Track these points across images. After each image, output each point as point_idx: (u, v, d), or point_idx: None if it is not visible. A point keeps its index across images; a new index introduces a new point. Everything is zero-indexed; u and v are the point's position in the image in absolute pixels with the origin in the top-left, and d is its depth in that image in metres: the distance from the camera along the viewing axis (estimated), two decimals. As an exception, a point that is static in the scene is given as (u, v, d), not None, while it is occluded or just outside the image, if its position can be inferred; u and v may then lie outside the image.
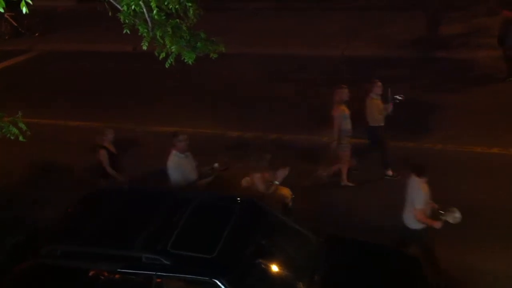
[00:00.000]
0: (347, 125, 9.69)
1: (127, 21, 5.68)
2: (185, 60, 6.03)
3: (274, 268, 6.57)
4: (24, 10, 4.53)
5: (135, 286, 6.20)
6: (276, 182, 8.38)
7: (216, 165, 8.58)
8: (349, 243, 7.46)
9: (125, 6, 5.57)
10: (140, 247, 6.20)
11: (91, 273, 6.36)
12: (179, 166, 8.28)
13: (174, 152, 8.38)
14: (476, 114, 11.99)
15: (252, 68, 15.60)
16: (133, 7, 5.54)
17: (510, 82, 13.40)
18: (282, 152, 11.05)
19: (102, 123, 12.78)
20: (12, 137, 6.10)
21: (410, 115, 12.14)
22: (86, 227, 6.75)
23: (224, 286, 5.84)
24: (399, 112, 11.87)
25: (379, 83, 9.97)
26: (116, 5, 5.78)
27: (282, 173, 8.37)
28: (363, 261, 7.04)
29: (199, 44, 6.10)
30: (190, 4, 5.83)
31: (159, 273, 6.02)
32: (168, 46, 5.89)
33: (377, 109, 9.94)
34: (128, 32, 5.72)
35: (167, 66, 5.98)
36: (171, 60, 5.99)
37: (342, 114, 9.63)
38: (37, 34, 20.46)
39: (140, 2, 5.56)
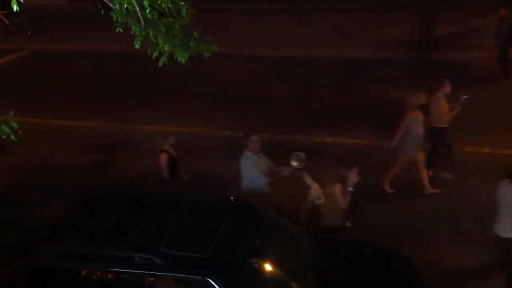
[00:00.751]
0: (419, 130, 9.26)
1: (119, 20, 5.67)
2: (178, 60, 6.04)
3: (268, 267, 6.55)
4: (15, 8, 4.52)
5: (127, 286, 6.16)
6: (350, 189, 7.62)
7: (294, 163, 7.95)
8: (342, 243, 7.46)
9: (117, 4, 5.57)
10: (133, 246, 6.18)
11: (83, 273, 6.34)
12: (254, 167, 7.98)
13: (247, 153, 8.07)
14: (470, 114, 12.00)
15: (248, 68, 15.62)
16: (125, 5, 5.54)
17: (502, 82, 13.45)
18: (276, 152, 11.06)
19: (96, 123, 12.84)
20: (4, 136, 6.09)
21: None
22: (78, 227, 6.73)
23: (218, 285, 5.83)
24: (392, 113, 11.93)
25: (448, 83, 9.59)
26: (109, 3, 5.78)
27: (354, 177, 7.63)
28: (356, 262, 7.04)
29: (192, 43, 6.11)
30: (183, 3, 5.83)
31: (152, 273, 6.00)
32: (161, 45, 5.89)
33: (443, 110, 9.56)
34: (121, 31, 5.72)
35: (160, 65, 5.98)
36: (164, 59, 5.99)
37: (415, 118, 9.21)
38: (29, 33, 20.40)
39: (133, 1, 5.56)
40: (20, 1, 4.59)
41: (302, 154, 7.91)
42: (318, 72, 15.20)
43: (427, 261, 7.63)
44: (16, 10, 4.54)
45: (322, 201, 8.18)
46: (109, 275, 6.18)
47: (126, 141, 11.97)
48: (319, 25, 18.27)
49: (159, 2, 5.65)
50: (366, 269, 6.94)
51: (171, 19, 5.93)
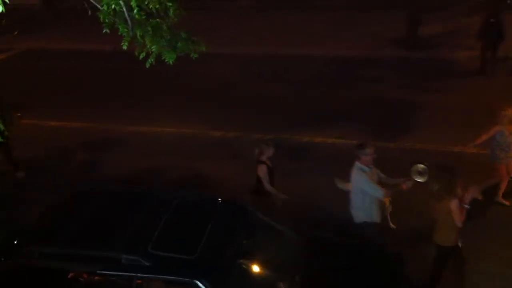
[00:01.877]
0: (506, 138, 8.77)
1: (106, 20, 5.64)
2: (166, 60, 6.01)
3: (256, 268, 6.55)
4: (1, 8, 4.48)
5: (115, 287, 6.14)
6: (467, 206, 6.86)
7: (418, 178, 7.22)
8: (331, 242, 7.48)
9: (105, 5, 5.53)
10: (120, 248, 6.14)
11: (70, 275, 6.30)
12: (369, 180, 7.41)
13: (359, 165, 7.49)
14: (456, 113, 12.11)
15: (237, 67, 15.61)
16: (113, 6, 5.50)
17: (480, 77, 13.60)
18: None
19: (86, 123, 12.77)
20: (-11, 138, 6.04)
21: (391, 115, 12.26)
22: (66, 228, 6.67)
23: (206, 286, 5.81)
24: (380, 112, 11.99)
25: None
26: (96, 4, 5.74)
27: (474, 193, 6.89)
28: (344, 260, 7.06)
29: (179, 44, 6.08)
30: (170, 4, 5.80)
31: (140, 274, 5.97)
32: (148, 46, 5.86)
33: None
34: (108, 31, 5.68)
35: (147, 66, 5.95)
36: (152, 60, 5.96)
37: (502, 131, 8.74)
38: (16, 33, 20.23)
39: (120, 1, 5.52)
40: (6, 2, 4.55)
41: (424, 167, 7.29)
42: (307, 70, 15.23)
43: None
44: (2, 10, 4.50)
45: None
46: (97, 277, 6.14)
47: (117, 141, 11.92)
48: (308, 24, 18.30)
49: (146, 3, 5.62)
50: (354, 267, 6.96)
51: (158, 20, 5.90)
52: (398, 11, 16.69)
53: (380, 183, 7.57)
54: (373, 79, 14.22)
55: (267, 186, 8.07)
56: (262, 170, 8.04)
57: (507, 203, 9.16)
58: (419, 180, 7.24)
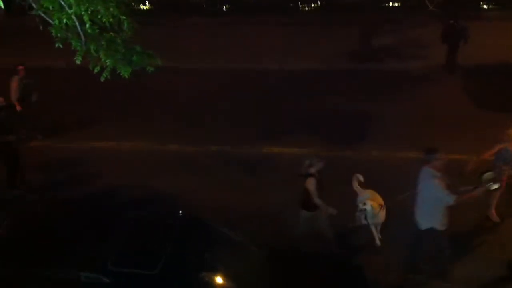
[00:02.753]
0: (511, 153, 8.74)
1: (59, 35, 5.58)
2: (121, 74, 5.97)
3: (218, 281, 6.52)
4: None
5: (75, 307, 6.01)
6: None
7: (492, 186, 7.36)
8: (291, 253, 7.52)
9: (56, 20, 5.47)
10: (79, 265, 6.03)
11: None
12: (441, 185, 7.24)
13: (429, 170, 7.36)
14: (410, 122, 12.37)
15: (192, 81, 15.56)
16: (64, 20, 5.44)
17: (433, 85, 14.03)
18: (223, 164, 11.09)
19: (36, 143, 12.46)
20: None
21: (347, 126, 12.44)
22: (21, 246, 6.51)
23: (168, 301, 5.77)
24: (335, 123, 12.15)
25: None
26: (47, 18, 5.66)
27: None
28: (306, 270, 7.10)
29: (134, 57, 6.06)
30: (124, 17, 5.78)
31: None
32: (103, 60, 5.81)
33: None
34: (61, 46, 5.61)
35: (102, 80, 5.89)
36: (106, 74, 5.91)
37: (506, 148, 8.70)
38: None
39: (72, 16, 5.47)
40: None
41: (492, 174, 7.54)
42: (263, 84, 15.31)
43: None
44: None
45: None
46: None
47: (70, 159, 11.68)
48: (262, 38, 18.42)
49: (99, 17, 5.58)
50: (317, 279, 7.00)
51: (112, 34, 5.87)
52: (352, 26, 17.01)
53: (449, 189, 7.32)
54: (328, 91, 14.40)
55: (316, 199, 7.86)
56: (312, 184, 7.83)
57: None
58: (494, 187, 7.42)
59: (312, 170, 7.88)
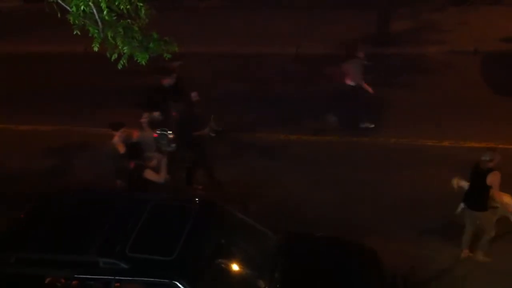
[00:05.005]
0: None
1: (76, 22, 5.59)
2: (138, 61, 5.98)
3: (235, 267, 6.56)
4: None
5: (93, 292, 6.08)
6: None
7: None
8: (307, 238, 7.51)
9: (74, 7, 5.47)
10: (97, 251, 6.09)
11: (47, 280, 6.21)
12: None
13: None
14: (425, 108, 12.27)
15: (207, 66, 15.54)
16: (82, 7, 5.45)
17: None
18: (239, 151, 11.10)
19: (53, 127, 12.58)
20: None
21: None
22: (41, 233, 6.58)
23: (185, 287, 5.80)
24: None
25: None
26: (65, 6, 5.67)
27: None
28: (322, 256, 7.10)
29: (151, 44, 6.05)
30: (141, 4, 5.77)
31: (118, 278, 5.92)
32: (120, 47, 5.81)
33: None
34: (78, 33, 5.63)
35: (119, 68, 5.90)
36: (124, 61, 5.92)
37: None
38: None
39: (90, 3, 5.47)
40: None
41: None
42: (278, 68, 15.25)
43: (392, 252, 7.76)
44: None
45: None
46: (74, 282, 6.07)
47: (85, 144, 11.77)
48: (277, 22, 18.32)
49: (116, 4, 5.58)
50: (332, 263, 7.01)
51: (129, 21, 5.86)
52: (368, 9, 16.82)
53: None
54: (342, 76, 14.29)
55: (499, 194, 7.58)
56: (498, 178, 7.40)
57: None
58: None
59: (491, 164, 7.44)
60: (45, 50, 17.97)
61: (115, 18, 5.70)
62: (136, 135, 9.03)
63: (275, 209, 9.01)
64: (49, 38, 18.08)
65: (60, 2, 5.71)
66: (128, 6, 5.65)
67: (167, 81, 10.29)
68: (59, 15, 5.86)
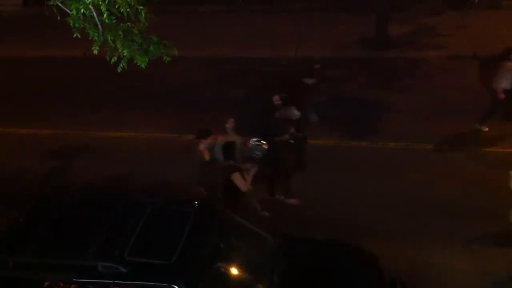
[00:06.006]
0: None
1: (76, 25, 5.60)
2: (138, 64, 5.99)
3: (233, 270, 6.55)
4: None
5: (92, 295, 6.06)
6: None
7: None
8: (306, 241, 7.51)
9: (74, 10, 5.50)
10: (96, 255, 6.07)
11: (46, 284, 6.19)
12: None
13: None
14: (423, 112, 12.27)
15: (204, 70, 15.56)
16: (82, 10, 5.47)
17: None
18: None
19: (56, 130, 12.59)
20: None
21: (361, 115, 12.37)
22: (40, 235, 6.56)
23: (183, 291, 5.79)
24: (349, 112, 12.08)
25: None
26: (65, 9, 5.69)
27: None
28: (321, 259, 7.10)
29: (151, 47, 6.09)
30: (141, 8, 5.79)
31: (117, 281, 5.91)
32: (119, 50, 5.84)
33: None
34: (78, 36, 5.64)
35: (119, 71, 5.92)
36: (123, 64, 5.94)
37: None
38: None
39: (90, 6, 5.49)
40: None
41: None
42: (276, 72, 15.24)
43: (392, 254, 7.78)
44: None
45: None
46: (73, 286, 6.05)
47: (84, 147, 11.79)
48: (277, 26, 18.34)
49: (116, 7, 5.60)
50: (330, 266, 7.00)
51: (129, 24, 5.88)
52: (367, 12, 16.85)
53: None
54: (342, 79, 14.33)
55: None
56: None
57: None
58: None
59: None
60: (45, 53, 17.97)
61: (115, 21, 5.73)
62: (220, 140, 8.86)
63: (273, 211, 9.01)
64: (49, 42, 18.09)
65: (60, 5, 5.72)
66: (128, 10, 5.68)
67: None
68: (58, 18, 5.87)
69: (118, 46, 5.79)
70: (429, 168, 10.19)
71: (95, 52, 5.70)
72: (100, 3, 5.50)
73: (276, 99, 9.81)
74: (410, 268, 7.74)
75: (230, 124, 9.13)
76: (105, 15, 5.55)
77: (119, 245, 6.17)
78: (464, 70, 14.30)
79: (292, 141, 9.39)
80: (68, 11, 5.60)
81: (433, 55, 15.40)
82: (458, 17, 17.36)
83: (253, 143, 8.41)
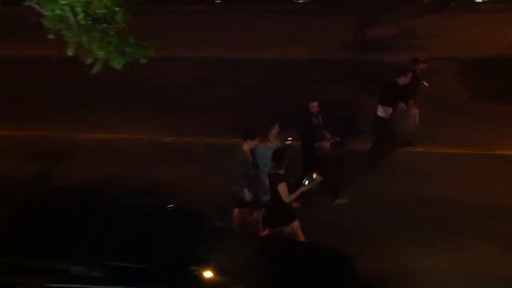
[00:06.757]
0: None
1: (52, 26, 5.56)
2: (114, 66, 5.96)
3: (209, 274, 6.51)
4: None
5: (66, 300, 6.00)
6: None
7: None
8: (283, 244, 7.51)
9: (49, 11, 5.45)
10: (70, 259, 6.01)
11: (18, 288, 6.13)
12: None
13: None
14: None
15: (186, 72, 15.49)
16: (57, 12, 5.42)
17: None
18: (217, 156, 11.05)
19: (34, 132, 12.44)
20: None
21: (342, 117, 12.40)
22: (14, 239, 6.49)
23: (160, 295, 5.76)
24: (330, 114, 12.08)
25: None
26: (40, 10, 5.64)
27: None
28: (297, 262, 7.10)
29: (128, 49, 6.05)
30: (117, 9, 5.76)
31: (90, 286, 5.85)
32: (95, 52, 5.80)
33: None
34: (53, 37, 5.59)
35: (95, 72, 5.88)
36: (99, 65, 5.90)
37: None
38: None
39: (65, 7, 5.45)
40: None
41: None
42: (258, 74, 15.26)
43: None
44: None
45: None
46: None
47: (68, 149, 11.67)
48: (258, 27, 18.36)
49: (92, 8, 5.57)
50: (307, 269, 7.01)
51: (105, 25, 5.85)
52: (349, 15, 16.95)
53: None
54: (326, 81, 14.36)
55: None
56: None
57: None
58: None
59: None
60: (22, 54, 17.76)
61: (91, 22, 5.69)
62: (260, 144, 8.59)
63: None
64: (26, 42, 17.88)
65: (36, 6, 5.67)
66: (104, 11, 5.64)
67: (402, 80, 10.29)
68: (33, 19, 5.82)
69: (94, 48, 5.74)
70: (403, 169, 10.26)
71: (70, 53, 5.66)
72: (76, 4, 5.47)
73: (314, 105, 9.58)
74: (388, 273, 7.78)
75: (275, 128, 8.81)
76: (80, 16, 5.52)
77: (95, 249, 6.12)
78: (443, 72, 14.42)
79: (329, 146, 9.41)
80: (43, 12, 5.55)
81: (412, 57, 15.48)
82: (438, 20, 17.53)
83: (307, 182, 8.08)
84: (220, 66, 15.83)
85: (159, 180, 10.06)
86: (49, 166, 11.13)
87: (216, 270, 6.52)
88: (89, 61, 5.87)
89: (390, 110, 10.16)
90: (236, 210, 8.38)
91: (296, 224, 7.91)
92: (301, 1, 21.15)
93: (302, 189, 7.86)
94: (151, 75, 13.82)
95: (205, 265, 6.50)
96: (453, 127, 11.57)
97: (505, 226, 8.54)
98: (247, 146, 8.37)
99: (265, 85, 14.46)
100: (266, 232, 8.05)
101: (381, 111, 10.24)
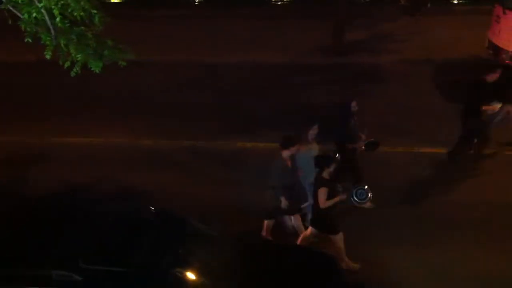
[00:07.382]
0: None
1: (28, 29, 5.50)
2: (92, 69, 5.91)
3: (191, 276, 6.51)
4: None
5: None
6: None
7: None
8: (266, 246, 7.54)
9: (25, 14, 5.39)
10: (51, 263, 5.96)
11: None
12: None
13: None
14: (379, 116, 12.43)
15: (164, 75, 15.43)
16: (34, 14, 5.37)
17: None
18: (197, 159, 11.05)
19: (6, 137, 12.23)
20: None
21: (318, 120, 12.45)
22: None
23: (141, 298, 5.74)
24: (307, 117, 12.16)
25: None
26: (17, 12, 5.58)
27: None
28: (281, 263, 7.13)
29: (106, 52, 6.01)
30: (95, 12, 5.72)
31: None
32: (73, 55, 5.75)
33: None
34: (30, 40, 5.53)
35: (72, 75, 5.82)
36: (77, 69, 5.85)
37: None
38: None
39: (42, 10, 5.40)
40: None
41: None
42: (235, 77, 15.26)
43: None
44: None
45: None
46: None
47: (43, 155, 11.52)
48: (234, 31, 18.36)
49: (70, 10, 5.52)
50: (291, 270, 7.04)
51: (83, 28, 5.80)
52: (325, 19, 17.01)
53: None
54: (302, 85, 14.43)
55: None
56: None
57: None
58: None
59: None
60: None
61: (68, 25, 5.64)
62: (302, 149, 8.53)
63: (233, 217, 8.98)
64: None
65: (11, 8, 5.61)
66: (81, 13, 5.60)
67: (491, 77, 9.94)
68: (9, 22, 5.75)
69: (71, 51, 5.70)
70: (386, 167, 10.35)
71: (48, 57, 5.60)
72: (53, 6, 5.42)
73: (354, 105, 9.52)
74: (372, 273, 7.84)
75: (313, 131, 8.78)
76: (58, 19, 5.47)
77: (75, 253, 6.07)
78: (417, 74, 14.60)
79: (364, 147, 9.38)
80: (19, 15, 5.49)
81: (387, 60, 15.66)
82: (412, 23, 17.75)
83: (356, 200, 8.26)
84: (198, 70, 15.78)
85: (137, 184, 10.01)
86: (20, 172, 10.98)
87: (199, 272, 6.52)
88: (66, 64, 5.80)
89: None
90: (265, 222, 8.48)
91: (339, 236, 7.88)
92: (279, 3, 21.29)
93: (340, 197, 7.89)
94: (127, 79, 13.71)
95: (188, 267, 6.50)
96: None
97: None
98: (287, 153, 8.33)
99: (243, 89, 14.48)
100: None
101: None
